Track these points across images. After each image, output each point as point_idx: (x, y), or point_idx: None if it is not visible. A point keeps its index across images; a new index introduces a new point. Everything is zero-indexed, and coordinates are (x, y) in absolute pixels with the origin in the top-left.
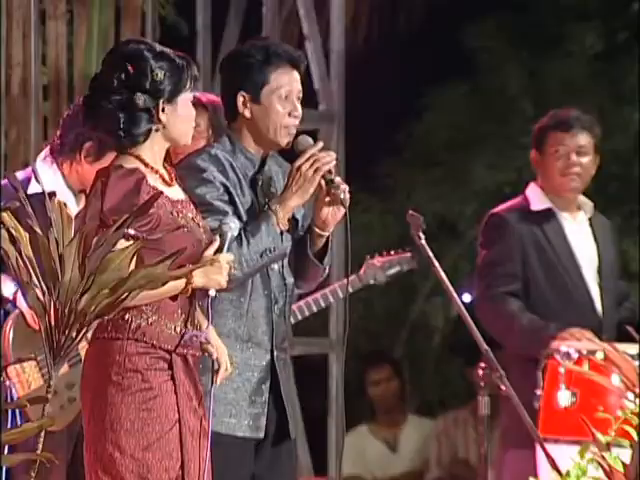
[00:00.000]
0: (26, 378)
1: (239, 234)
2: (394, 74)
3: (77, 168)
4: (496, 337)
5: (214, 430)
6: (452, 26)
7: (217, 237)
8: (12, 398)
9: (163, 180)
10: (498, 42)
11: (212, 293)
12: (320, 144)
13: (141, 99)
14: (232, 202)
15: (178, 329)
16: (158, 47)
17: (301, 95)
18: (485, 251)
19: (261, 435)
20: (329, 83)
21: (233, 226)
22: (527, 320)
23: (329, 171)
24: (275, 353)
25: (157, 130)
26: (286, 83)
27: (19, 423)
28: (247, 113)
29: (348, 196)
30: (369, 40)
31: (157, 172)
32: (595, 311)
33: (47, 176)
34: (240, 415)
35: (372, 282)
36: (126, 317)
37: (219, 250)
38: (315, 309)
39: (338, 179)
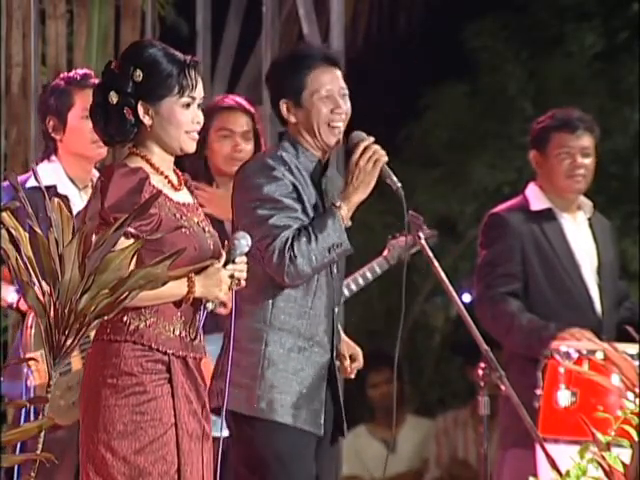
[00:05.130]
0: (44, 368)
1: (307, 230)
2: (394, 74)
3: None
4: (496, 337)
5: (282, 422)
6: (452, 26)
7: (226, 251)
8: (27, 387)
9: (169, 183)
10: (498, 42)
11: (210, 306)
12: (371, 138)
13: (114, 97)
14: (300, 200)
15: (177, 332)
16: (157, 50)
17: (345, 91)
18: (485, 251)
19: (320, 432)
20: None
21: (244, 242)
22: (527, 320)
23: (387, 163)
24: (334, 353)
25: (145, 132)
26: (325, 82)
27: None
28: (292, 119)
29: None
30: (369, 40)
31: (163, 174)
32: (595, 311)
33: (48, 172)
34: (302, 409)
35: (396, 262)
36: (124, 319)
37: (226, 264)
38: (347, 293)
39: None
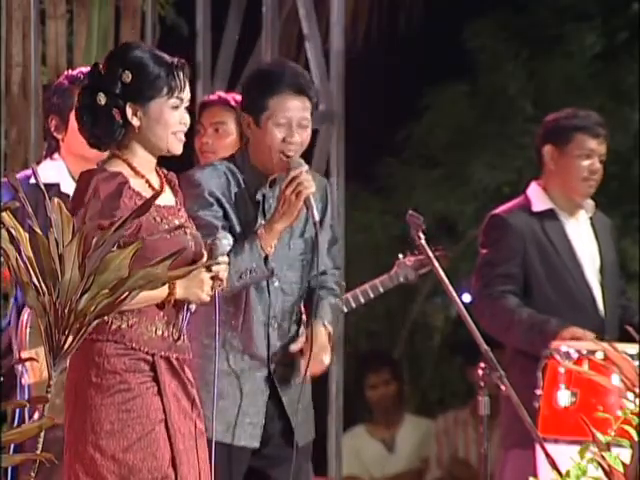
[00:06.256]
0: (39, 366)
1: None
2: (394, 74)
3: (68, 149)
4: (496, 334)
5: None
6: (452, 26)
7: (207, 251)
8: (21, 385)
9: (150, 186)
10: (498, 42)
11: (192, 307)
12: (303, 167)
13: (102, 98)
14: (226, 217)
15: (160, 332)
16: (142, 51)
17: (305, 122)
18: (485, 251)
19: (254, 444)
20: (328, 83)
21: (225, 242)
22: (527, 314)
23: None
24: (272, 366)
25: (132, 133)
26: (286, 109)
27: (27, 417)
28: (250, 134)
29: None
30: (369, 40)
31: (144, 177)
32: (597, 311)
33: (51, 171)
34: (229, 423)
35: (403, 281)
36: (106, 319)
37: (208, 265)
38: (346, 309)
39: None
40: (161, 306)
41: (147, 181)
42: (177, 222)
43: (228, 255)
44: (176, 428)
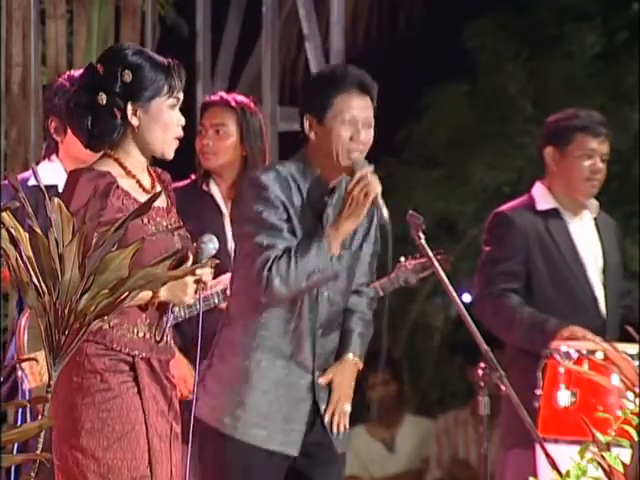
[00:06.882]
0: (39, 370)
1: (289, 253)
2: (394, 74)
3: (66, 151)
4: (497, 333)
5: (241, 440)
6: (452, 26)
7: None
8: (23, 390)
9: (141, 186)
10: (498, 42)
11: (175, 311)
12: (370, 167)
13: (103, 98)
14: (289, 221)
15: (141, 334)
16: (138, 52)
17: (370, 122)
18: (488, 248)
19: (293, 452)
20: None
21: (211, 246)
22: (528, 313)
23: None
24: (316, 374)
25: (130, 133)
26: (352, 108)
27: (28, 418)
28: (312, 135)
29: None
30: (369, 40)
31: (134, 177)
32: (599, 311)
33: (50, 171)
34: (271, 429)
35: (403, 284)
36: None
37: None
38: None
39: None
40: (144, 308)
41: (138, 181)
42: (165, 223)
43: (292, 256)
44: (154, 429)
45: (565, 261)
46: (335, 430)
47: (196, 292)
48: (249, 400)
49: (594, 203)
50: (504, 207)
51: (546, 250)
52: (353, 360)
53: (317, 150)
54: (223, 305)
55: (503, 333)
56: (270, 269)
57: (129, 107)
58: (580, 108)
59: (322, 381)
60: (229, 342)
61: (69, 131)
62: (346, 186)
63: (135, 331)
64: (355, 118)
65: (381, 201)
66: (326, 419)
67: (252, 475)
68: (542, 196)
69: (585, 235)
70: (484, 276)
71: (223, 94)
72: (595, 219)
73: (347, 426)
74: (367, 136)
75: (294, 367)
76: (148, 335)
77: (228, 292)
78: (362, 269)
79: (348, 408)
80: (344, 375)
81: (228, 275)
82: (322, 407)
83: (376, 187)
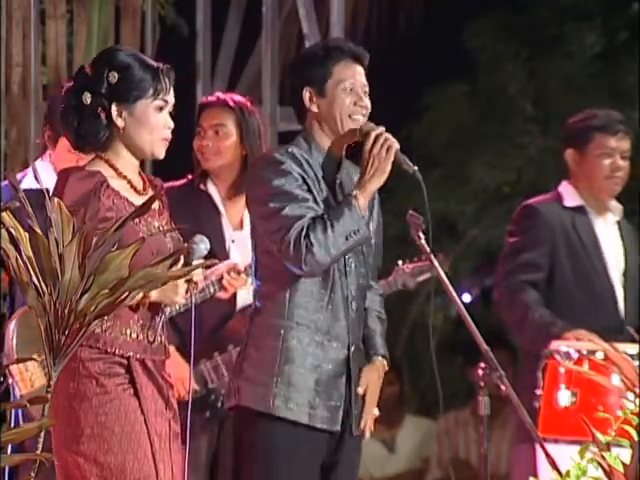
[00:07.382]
0: (29, 376)
1: (322, 219)
2: (394, 74)
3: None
4: (511, 327)
5: (297, 420)
6: (452, 26)
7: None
8: (14, 396)
9: (132, 187)
10: (498, 42)
11: (167, 311)
12: (382, 127)
13: (88, 98)
14: (310, 193)
15: (135, 335)
16: (130, 54)
17: (367, 89)
18: (513, 239)
19: (337, 428)
20: None
21: (202, 246)
22: (539, 315)
23: (399, 149)
24: (352, 349)
25: (117, 135)
26: (349, 76)
27: (21, 422)
28: (314, 108)
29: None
30: (369, 40)
31: (125, 178)
32: (618, 311)
33: (47, 174)
34: (318, 407)
35: (401, 287)
36: None
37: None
38: None
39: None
40: (135, 309)
41: (129, 182)
42: (157, 224)
43: (327, 222)
44: (154, 429)
45: (589, 258)
46: (366, 434)
47: (187, 292)
48: (297, 380)
49: (618, 207)
50: (532, 200)
51: (571, 245)
52: (381, 363)
53: (320, 122)
54: (219, 294)
55: (516, 329)
56: (307, 236)
57: (114, 108)
58: (580, 108)
59: (360, 391)
60: (264, 328)
61: (59, 142)
62: (363, 148)
63: (128, 332)
64: (355, 85)
65: (402, 154)
66: (361, 424)
67: (300, 454)
68: (569, 194)
69: (609, 236)
70: (506, 266)
71: (220, 94)
72: (618, 222)
73: (372, 427)
74: (367, 102)
75: (333, 342)
76: (141, 336)
77: (252, 283)
78: (378, 257)
79: (377, 412)
80: (376, 382)
81: (224, 263)
82: (354, 385)
83: (395, 142)
